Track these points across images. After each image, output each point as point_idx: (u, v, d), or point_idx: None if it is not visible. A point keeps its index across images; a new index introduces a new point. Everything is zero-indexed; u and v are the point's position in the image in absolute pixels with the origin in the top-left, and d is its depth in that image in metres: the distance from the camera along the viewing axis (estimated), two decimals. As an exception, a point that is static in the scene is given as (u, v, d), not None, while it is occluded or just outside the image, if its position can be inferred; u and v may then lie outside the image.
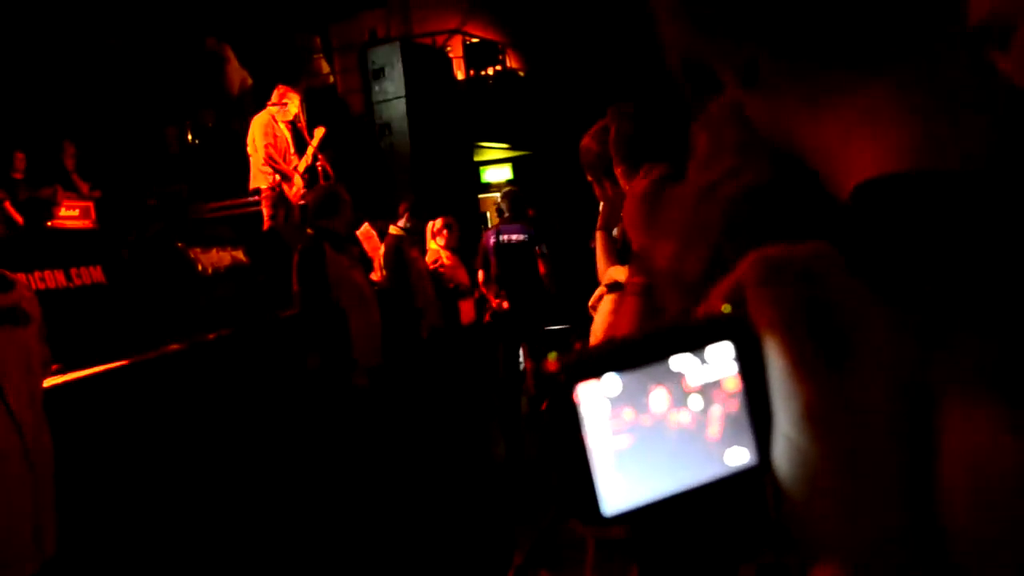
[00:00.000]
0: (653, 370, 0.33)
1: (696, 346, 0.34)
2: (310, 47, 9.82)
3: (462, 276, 6.09)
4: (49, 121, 6.80)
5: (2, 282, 2.22)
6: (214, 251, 5.04)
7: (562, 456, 0.32)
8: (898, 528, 0.34)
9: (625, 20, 8.85)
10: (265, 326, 4.64)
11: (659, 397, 0.33)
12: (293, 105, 6.41)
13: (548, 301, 6.04)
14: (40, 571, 2.11)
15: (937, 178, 0.43)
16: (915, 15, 0.46)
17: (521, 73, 11.43)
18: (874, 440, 0.34)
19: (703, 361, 0.34)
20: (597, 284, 1.76)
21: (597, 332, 1.61)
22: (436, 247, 6.07)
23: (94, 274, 4.29)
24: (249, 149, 6.42)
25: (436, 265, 5.93)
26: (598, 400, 0.32)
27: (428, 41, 10.13)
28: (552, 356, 0.33)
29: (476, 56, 10.84)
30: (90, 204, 6.52)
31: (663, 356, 0.34)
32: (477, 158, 11.20)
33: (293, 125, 6.51)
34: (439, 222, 6.11)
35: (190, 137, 8.15)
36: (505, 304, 6.03)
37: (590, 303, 1.72)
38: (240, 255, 5.28)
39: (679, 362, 0.34)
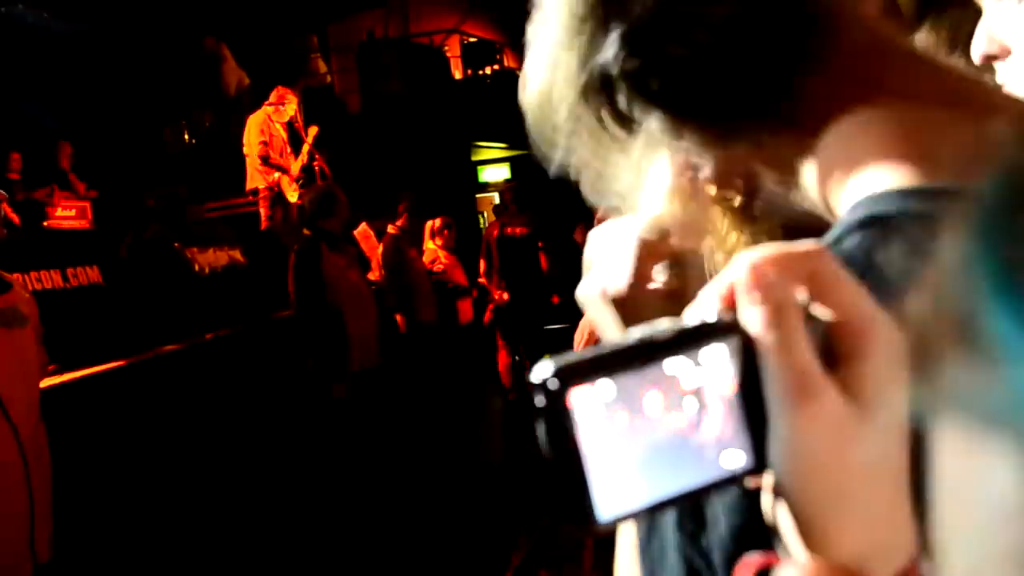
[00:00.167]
0: (647, 373, 0.33)
1: (690, 348, 0.34)
2: (307, 47, 9.82)
3: (460, 276, 6.09)
4: (47, 121, 6.78)
5: (-2, 283, 2.22)
6: (211, 251, 5.04)
7: (556, 462, 0.32)
8: (898, 528, 0.33)
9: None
10: (262, 327, 4.64)
11: (653, 400, 0.33)
12: (290, 106, 6.41)
13: (549, 295, 6.05)
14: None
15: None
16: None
17: (519, 73, 11.40)
18: (873, 440, 0.34)
19: (697, 363, 0.34)
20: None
21: (584, 330, 1.61)
22: (434, 247, 6.07)
23: (91, 274, 4.29)
24: (245, 149, 6.42)
25: (434, 265, 5.93)
26: (592, 405, 0.32)
27: (426, 41, 10.12)
28: (545, 359, 0.32)
29: (474, 56, 10.84)
30: (87, 204, 6.49)
31: (657, 359, 0.33)
32: (475, 158, 11.20)
33: (290, 125, 6.51)
34: (438, 222, 6.11)
35: (187, 137, 8.14)
36: (505, 296, 6.04)
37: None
38: (237, 255, 5.28)
39: (673, 365, 0.34)
